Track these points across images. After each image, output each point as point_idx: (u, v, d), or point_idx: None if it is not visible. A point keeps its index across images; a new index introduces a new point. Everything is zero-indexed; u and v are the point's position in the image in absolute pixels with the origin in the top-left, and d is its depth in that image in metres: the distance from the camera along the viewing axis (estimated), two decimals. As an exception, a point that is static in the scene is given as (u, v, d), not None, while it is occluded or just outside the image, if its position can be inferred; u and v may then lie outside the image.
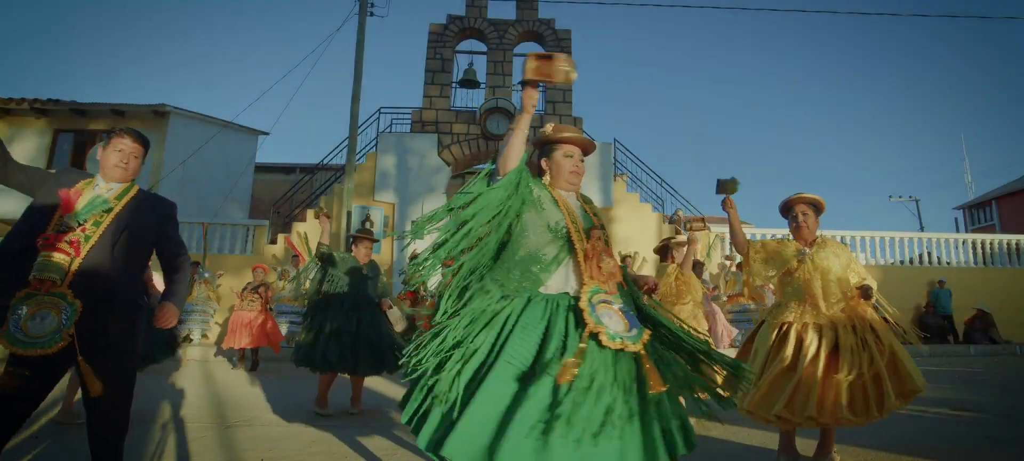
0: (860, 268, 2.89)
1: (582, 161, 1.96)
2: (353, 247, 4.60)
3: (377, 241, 4.53)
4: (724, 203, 3.03)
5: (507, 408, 1.47)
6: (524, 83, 1.80)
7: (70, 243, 2.04)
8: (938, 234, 12.50)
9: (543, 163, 1.96)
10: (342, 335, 4.13)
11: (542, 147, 1.99)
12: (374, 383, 5.89)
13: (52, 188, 2.14)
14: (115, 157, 2.25)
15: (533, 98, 1.80)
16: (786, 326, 2.80)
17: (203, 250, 9.91)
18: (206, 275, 9.13)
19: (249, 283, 8.11)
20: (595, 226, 1.85)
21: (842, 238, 11.61)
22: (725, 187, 3.06)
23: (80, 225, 2.09)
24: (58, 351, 1.92)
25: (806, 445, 2.95)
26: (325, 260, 4.39)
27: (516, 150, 1.78)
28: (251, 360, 7.47)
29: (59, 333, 1.94)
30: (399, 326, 4.53)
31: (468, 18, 11.63)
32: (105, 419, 2.08)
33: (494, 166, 1.83)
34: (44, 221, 2.08)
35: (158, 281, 7.43)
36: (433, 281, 8.79)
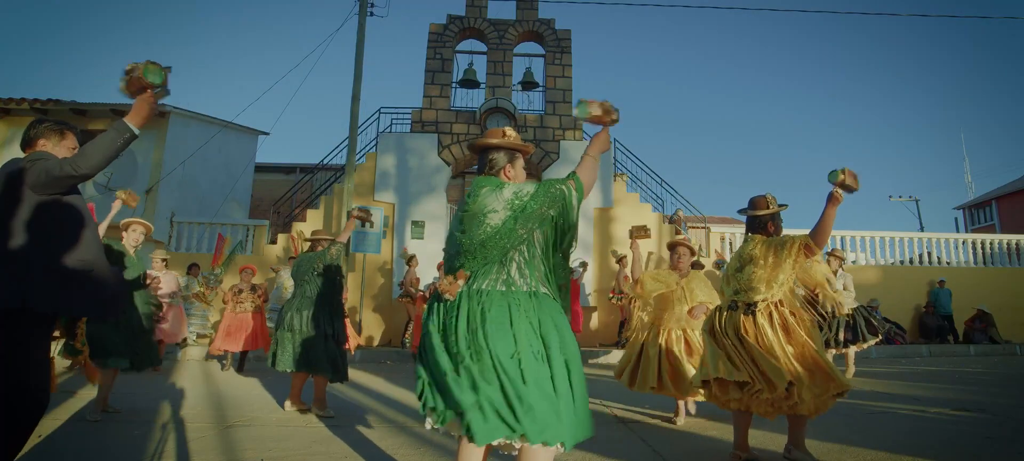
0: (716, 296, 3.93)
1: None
2: (317, 247, 4.61)
3: (332, 239, 4.63)
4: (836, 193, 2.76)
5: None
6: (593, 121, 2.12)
7: None
8: (938, 234, 12.49)
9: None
10: (313, 337, 4.20)
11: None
12: (375, 384, 5.89)
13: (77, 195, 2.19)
14: (67, 153, 2.21)
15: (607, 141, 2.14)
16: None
17: (216, 257, 9.91)
18: (212, 280, 9.09)
19: (235, 284, 8.01)
20: None
21: (842, 238, 11.62)
22: (845, 180, 2.69)
23: None
24: None
25: (814, 447, 2.94)
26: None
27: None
28: (238, 362, 7.30)
29: None
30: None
31: (468, 18, 11.63)
32: None
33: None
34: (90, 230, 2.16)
35: (166, 281, 7.45)
36: (425, 283, 8.64)
